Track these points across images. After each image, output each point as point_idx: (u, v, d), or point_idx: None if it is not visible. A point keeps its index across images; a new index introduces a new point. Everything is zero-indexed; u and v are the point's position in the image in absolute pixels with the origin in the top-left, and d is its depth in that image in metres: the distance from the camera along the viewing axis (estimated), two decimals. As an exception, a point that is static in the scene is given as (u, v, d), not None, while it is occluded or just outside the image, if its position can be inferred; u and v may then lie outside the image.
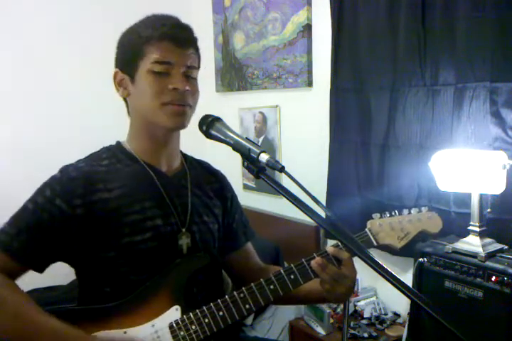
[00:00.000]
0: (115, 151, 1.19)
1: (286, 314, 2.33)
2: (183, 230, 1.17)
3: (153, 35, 1.09)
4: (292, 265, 1.13)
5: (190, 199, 1.21)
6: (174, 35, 1.10)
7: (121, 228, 1.10)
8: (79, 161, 1.17)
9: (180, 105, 1.10)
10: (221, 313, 1.09)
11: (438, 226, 1.21)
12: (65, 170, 1.12)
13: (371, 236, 1.16)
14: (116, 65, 1.16)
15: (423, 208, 1.21)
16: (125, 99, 1.19)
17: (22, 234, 1.07)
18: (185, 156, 1.30)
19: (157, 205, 1.15)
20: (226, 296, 1.10)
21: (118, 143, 1.22)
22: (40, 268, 1.10)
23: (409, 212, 1.20)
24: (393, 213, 1.19)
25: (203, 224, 1.23)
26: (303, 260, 1.13)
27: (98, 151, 1.21)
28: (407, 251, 1.88)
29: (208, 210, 1.26)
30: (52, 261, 1.12)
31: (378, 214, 1.19)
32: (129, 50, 1.12)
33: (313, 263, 1.10)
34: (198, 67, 1.18)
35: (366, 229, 1.17)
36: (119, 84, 1.16)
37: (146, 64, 1.09)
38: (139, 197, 1.13)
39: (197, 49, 1.17)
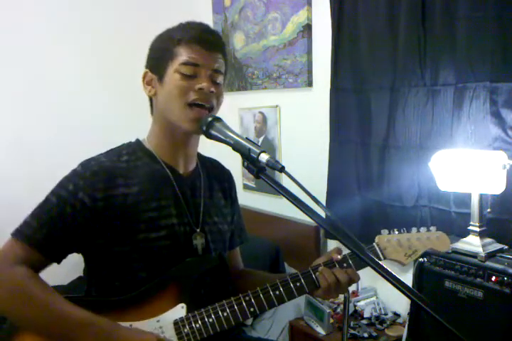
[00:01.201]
0: (135, 148, 1.21)
1: (286, 314, 2.33)
2: (198, 230, 1.19)
3: (184, 37, 1.12)
4: (299, 273, 1.14)
5: (202, 201, 1.23)
6: (203, 38, 1.13)
7: (137, 224, 1.12)
8: (99, 156, 1.18)
9: (204, 107, 1.12)
10: (225, 314, 1.09)
11: (446, 245, 1.21)
12: (86, 164, 1.14)
13: (378, 251, 1.17)
14: (147, 66, 1.19)
15: (432, 228, 1.22)
16: (150, 99, 1.21)
17: (45, 226, 1.09)
18: (199, 157, 1.31)
19: (172, 205, 1.17)
20: (232, 298, 1.11)
21: (138, 140, 1.24)
22: (58, 259, 1.13)
23: (418, 231, 1.21)
24: (402, 230, 1.20)
25: (214, 224, 1.25)
26: (310, 269, 1.14)
27: (118, 147, 1.23)
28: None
29: (219, 211, 1.29)
30: (70, 252, 1.14)
31: (387, 231, 1.20)
32: (160, 52, 1.15)
33: (319, 273, 1.11)
34: (225, 74, 1.21)
35: (374, 244, 1.18)
36: (147, 83, 1.18)
37: (175, 65, 1.12)
38: (155, 195, 1.15)
39: (224, 55, 1.19)
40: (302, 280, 1.12)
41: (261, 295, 1.11)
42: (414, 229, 1.20)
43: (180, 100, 1.11)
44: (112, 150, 1.21)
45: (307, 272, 1.13)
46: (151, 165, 1.18)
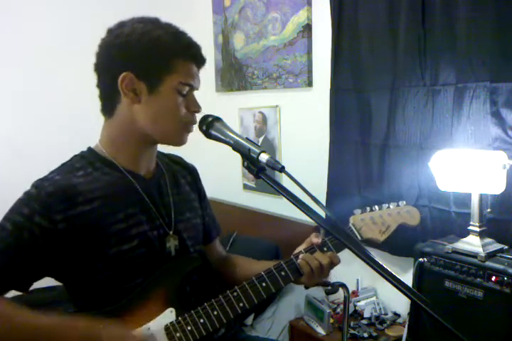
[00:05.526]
0: (90, 159, 1.15)
1: (286, 314, 2.33)
2: (171, 233, 1.18)
3: (182, 54, 1.10)
4: (282, 262, 1.15)
5: (171, 199, 1.22)
6: (200, 58, 1.14)
7: (107, 239, 1.08)
8: (52, 174, 1.12)
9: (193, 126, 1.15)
10: (215, 313, 1.10)
11: (416, 219, 1.26)
12: (40, 185, 1.07)
13: (355, 231, 1.20)
14: (128, 69, 1.07)
15: (400, 202, 1.26)
16: (109, 100, 1.13)
17: (1, 255, 1.03)
18: (157, 155, 1.28)
19: (140, 211, 1.14)
20: (220, 296, 1.11)
21: (90, 149, 1.18)
22: (23, 288, 1.07)
23: (389, 207, 1.24)
24: (373, 208, 1.23)
25: (187, 221, 1.24)
26: (292, 257, 1.16)
27: (70, 161, 1.17)
28: (407, 251, 1.88)
29: (189, 205, 1.28)
30: (37, 278, 1.08)
31: (359, 210, 1.23)
32: (152, 60, 1.08)
33: (300, 259, 1.14)
34: None
35: (350, 225, 1.21)
36: (128, 88, 1.08)
37: (174, 81, 1.09)
38: (121, 205, 1.12)
39: None
40: (286, 269, 1.14)
41: (248, 289, 1.11)
42: (385, 205, 1.24)
43: (177, 118, 1.11)
44: (64, 165, 1.15)
45: (290, 260, 1.15)
46: (111, 174, 1.14)
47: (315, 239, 1.18)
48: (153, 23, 1.12)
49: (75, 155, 1.18)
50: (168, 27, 1.12)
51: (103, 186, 1.11)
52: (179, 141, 1.16)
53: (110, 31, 1.12)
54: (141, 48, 1.07)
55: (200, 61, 1.14)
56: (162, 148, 1.24)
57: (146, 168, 1.20)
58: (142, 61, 1.08)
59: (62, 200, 1.05)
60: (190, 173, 1.36)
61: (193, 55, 1.12)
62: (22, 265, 1.04)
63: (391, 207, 1.24)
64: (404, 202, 1.26)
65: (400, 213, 1.24)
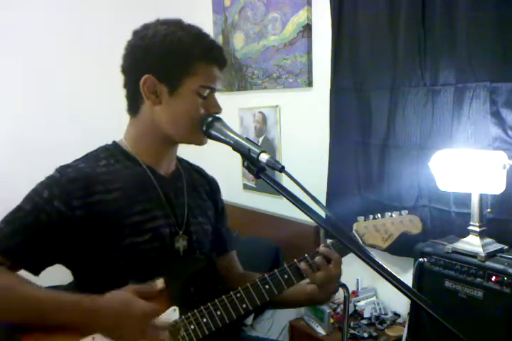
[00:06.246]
0: (113, 151, 1.18)
1: (286, 314, 2.33)
2: (181, 232, 1.19)
3: (204, 56, 1.11)
4: (285, 265, 1.16)
5: (186, 201, 1.23)
6: (222, 60, 1.15)
7: (121, 229, 1.10)
8: (77, 161, 1.15)
9: None
10: (219, 313, 1.10)
11: (418, 227, 1.29)
12: (63, 170, 1.10)
13: (358, 238, 1.22)
14: (149, 71, 1.10)
15: (403, 211, 1.29)
16: (134, 101, 1.16)
17: (17, 234, 1.05)
18: (178, 158, 1.31)
19: (156, 207, 1.16)
20: (223, 296, 1.12)
21: (115, 143, 1.21)
22: (35, 270, 1.08)
23: (391, 215, 1.27)
24: (376, 216, 1.26)
25: (199, 225, 1.25)
26: (295, 260, 1.16)
27: (95, 151, 1.20)
28: (407, 251, 1.88)
29: (203, 212, 1.29)
30: (50, 263, 1.10)
31: (363, 217, 1.26)
32: (173, 63, 1.10)
33: (302, 264, 1.16)
34: None
35: (353, 231, 1.23)
36: (149, 90, 1.11)
37: (194, 84, 1.10)
38: (138, 198, 1.14)
39: None
40: (289, 272, 1.15)
41: (251, 290, 1.12)
42: (387, 214, 1.27)
43: (195, 120, 1.12)
44: (89, 154, 1.18)
45: (293, 264, 1.16)
46: (131, 168, 1.16)
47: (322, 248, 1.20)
48: (176, 24, 1.13)
49: (100, 147, 1.21)
50: (190, 28, 1.14)
51: (124, 178, 1.14)
52: (199, 142, 1.17)
53: (136, 33, 1.14)
54: (163, 50, 1.09)
55: (221, 63, 1.16)
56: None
57: (166, 167, 1.22)
58: (163, 63, 1.10)
59: (83, 187, 1.07)
60: (209, 184, 1.37)
61: (214, 57, 1.13)
62: (36, 246, 1.06)
63: (394, 215, 1.27)
64: (407, 211, 1.29)
65: (403, 222, 1.27)
